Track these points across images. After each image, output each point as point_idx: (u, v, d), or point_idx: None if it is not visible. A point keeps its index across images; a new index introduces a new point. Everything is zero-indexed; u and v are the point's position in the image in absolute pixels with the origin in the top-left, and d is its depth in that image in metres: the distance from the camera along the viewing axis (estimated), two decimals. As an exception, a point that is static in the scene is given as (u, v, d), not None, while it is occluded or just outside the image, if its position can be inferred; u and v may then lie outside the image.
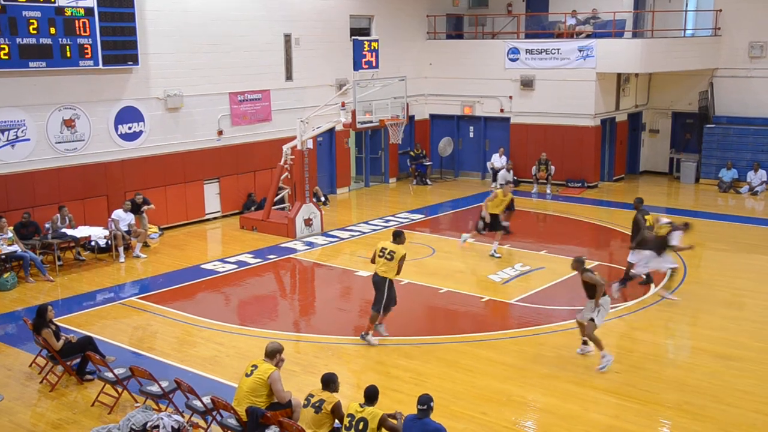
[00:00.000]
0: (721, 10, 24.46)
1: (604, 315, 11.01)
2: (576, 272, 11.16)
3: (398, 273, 11.77)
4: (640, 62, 23.42)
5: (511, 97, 25.05)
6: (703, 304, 13.74)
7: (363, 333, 11.93)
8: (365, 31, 23.76)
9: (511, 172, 18.35)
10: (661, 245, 13.54)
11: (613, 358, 10.84)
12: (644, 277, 14.19)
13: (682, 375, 10.85)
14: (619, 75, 24.62)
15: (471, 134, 26.38)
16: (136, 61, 17.73)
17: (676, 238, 13.48)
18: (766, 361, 11.27)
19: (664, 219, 14.01)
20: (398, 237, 11.82)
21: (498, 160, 24.70)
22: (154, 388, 9.33)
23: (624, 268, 14.49)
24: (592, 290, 10.95)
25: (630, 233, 14.62)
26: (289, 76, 21.80)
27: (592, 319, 10.85)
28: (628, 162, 26.56)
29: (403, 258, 11.67)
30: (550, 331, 12.45)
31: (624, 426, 9.32)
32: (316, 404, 8.07)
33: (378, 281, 11.76)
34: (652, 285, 14.47)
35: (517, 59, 24.77)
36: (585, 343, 11.32)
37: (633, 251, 14.21)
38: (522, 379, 10.61)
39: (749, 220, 19.94)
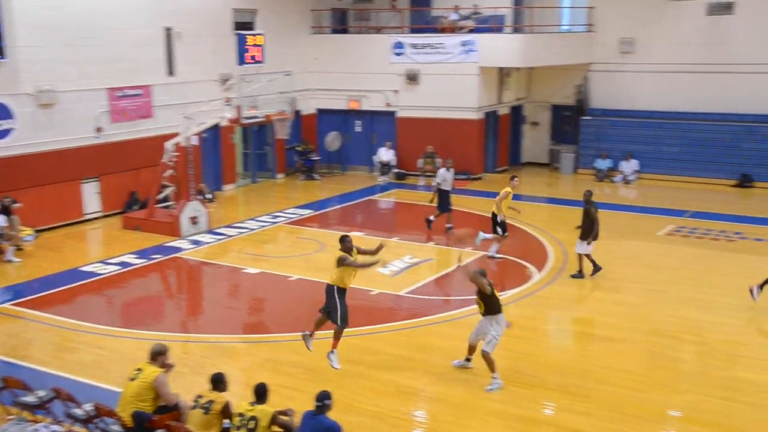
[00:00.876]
0: (594, 7, 25.51)
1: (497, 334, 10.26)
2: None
3: (342, 280, 10.41)
4: (519, 57, 24.15)
5: (396, 91, 25.28)
6: (583, 289, 14.30)
7: (328, 352, 10.62)
8: (249, 26, 23.37)
9: (452, 170, 18.33)
10: None
11: (502, 383, 10.20)
12: None
13: (565, 358, 11.26)
14: (500, 69, 25.27)
15: (358, 128, 26.46)
16: (2, 54, 16.75)
17: None
18: (642, 342, 11.85)
19: None
20: (341, 242, 10.66)
21: (385, 154, 24.89)
22: (30, 398, 8.84)
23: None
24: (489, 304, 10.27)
25: (581, 225, 14.58)
26: (171, 71, 21.16)
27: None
28: (511, 154, 27.33)
29: (340, 260, 10.38)
30: (439, 321, 12.65)
31: (512, 410, 9.57)
32: (205, 405, 7.88)
33: (326, 289, 10.64)
34: (534, 272, 14.97)
35: (402, 54, 25.00)
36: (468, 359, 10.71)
37: (581, 243, 14.52)
38: (412, 370, 10.71)
39: (623, 208, 20.90)
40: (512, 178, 16.50)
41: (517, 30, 24.97)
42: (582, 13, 26.24)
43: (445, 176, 18.07)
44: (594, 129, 25.81)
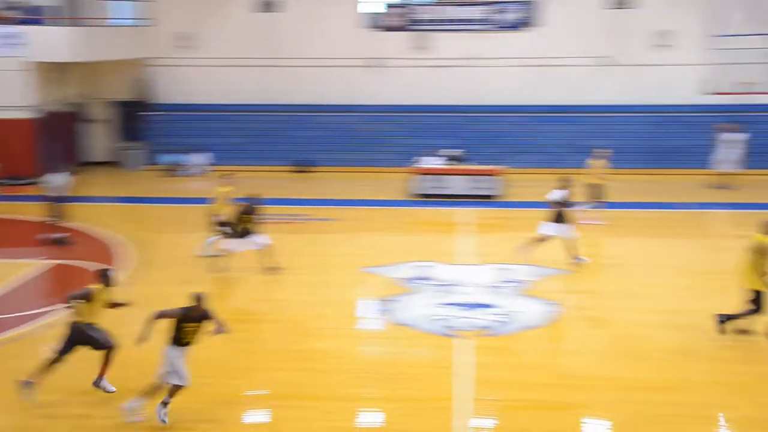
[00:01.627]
0: (153, 1, 25.41)
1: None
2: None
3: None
4: (73, 51, 22.90)
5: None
6: (154, 286, 14.08)
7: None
8: None
9: (65, 175, 16.31)
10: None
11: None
12: None
13: (144, 357, 10.96)
14: (57, 64, 23.64)
15: None
16: None
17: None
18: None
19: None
20: (103, 277, 9.84)
21: None
22: None
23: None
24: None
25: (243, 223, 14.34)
26: None
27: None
28: (75, 153, 25.83)
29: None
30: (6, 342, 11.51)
31: (101, 422, 9.17)
32: None
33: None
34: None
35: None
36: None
37: (249, 240, 14.20)
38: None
39: (192, 201, 20.95)
40: (223, 177, 15.92)
41: (72, 22, 23.53)
42: (140, 7, 25.96)
43: (55, 182, 16.44)
44: (160, 124, 25.75)
